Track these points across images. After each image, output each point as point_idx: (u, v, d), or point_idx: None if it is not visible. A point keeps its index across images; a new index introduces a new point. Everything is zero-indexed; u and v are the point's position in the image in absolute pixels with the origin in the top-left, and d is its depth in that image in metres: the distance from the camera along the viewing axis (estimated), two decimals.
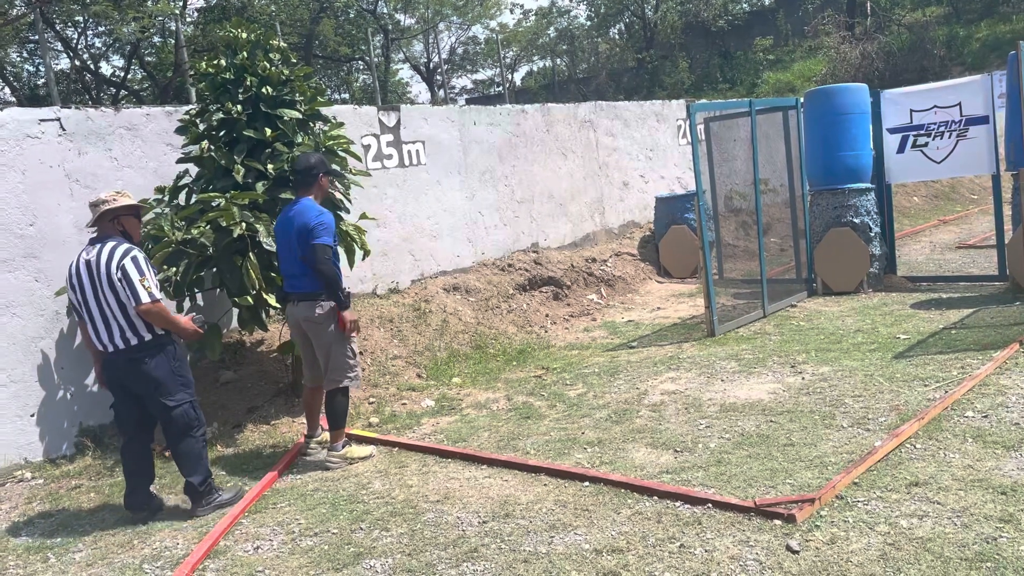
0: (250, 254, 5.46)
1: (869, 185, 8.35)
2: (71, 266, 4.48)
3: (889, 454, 4.22)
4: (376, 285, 8.09)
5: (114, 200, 4.48)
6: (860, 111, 8.36)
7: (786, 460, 4.33)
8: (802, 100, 8.82)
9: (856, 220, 8.19)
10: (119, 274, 4.32)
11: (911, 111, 8.26)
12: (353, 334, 5.06)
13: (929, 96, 8.21)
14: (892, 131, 8.42)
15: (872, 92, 8.53)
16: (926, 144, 8.22)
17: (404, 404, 6.30)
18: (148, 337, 4.42)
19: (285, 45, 6.07)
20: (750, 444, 4.61)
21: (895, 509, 3.65)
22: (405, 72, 31.11)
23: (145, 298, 4.31)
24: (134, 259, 4.36)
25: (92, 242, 4.48)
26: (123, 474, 4.65)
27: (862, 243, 8.17)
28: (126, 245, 4.44)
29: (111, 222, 4.48)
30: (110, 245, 4.39)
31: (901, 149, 8.36)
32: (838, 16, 23.20)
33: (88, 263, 4.39)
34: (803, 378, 5.71)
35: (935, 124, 8.16)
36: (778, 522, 3.64)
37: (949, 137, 8.07)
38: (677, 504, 3.96)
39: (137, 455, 4.62)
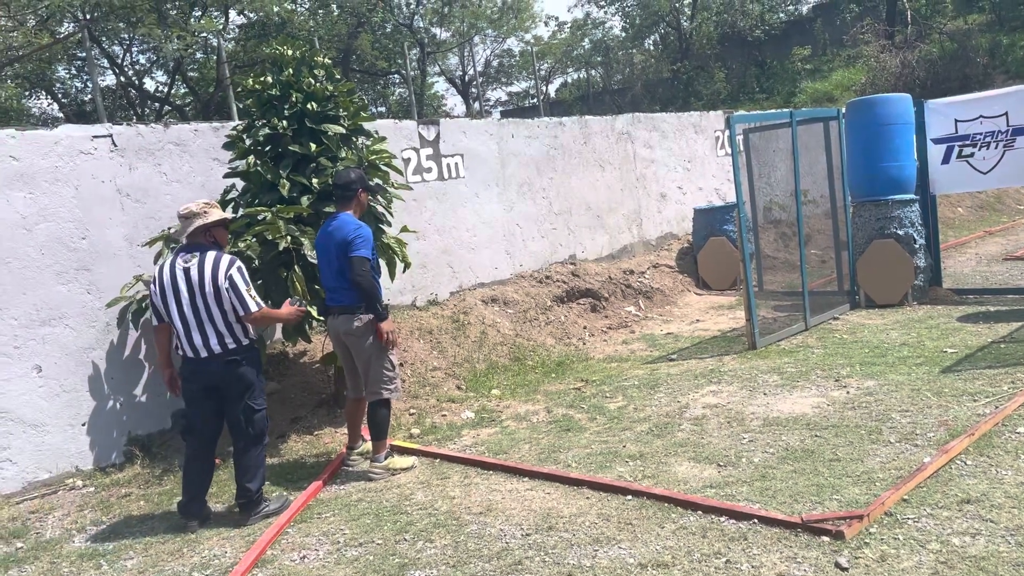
0: (295, 267, 5.56)
1: (913, 196, 8.24)
2: (161, 272, 4.59)
3: (939, 470, 4.16)
4: (415, 297, 8.15)
5: (205, 213, 4.62)
6: (903, 121, 8.26)
7: (832, 476, 4.28)
8: (843, 110, 8.74)
9: (900, 232, 8.08)
10: (227, 284, 4.49)
11: (956, 121, 8.14)
12: (392, 346, 5.11)
13: (974, 106, 8.08)
14: (937, 141, 8.30)
15: (916, 102, 8.42)
16: (972, 155, 8.09)
17: (444, 415, 6.34)
18: (245, 342, 4.61)
19: (329, 62, 6.17)
20: (795, 459, 4.57)
21: (946, 527, 3.59)
22: (440, 85, 31.36)
23: (254, 307, 4.54)
24: (239, 270, 4.57)
25: (186, 250, 4.61)
26: (184, 481, 4.73)
27: (906, 255, 8.06)
28: (228, 256, 4.61)
29: (203, 234, 4.63)
30: (212, 255, 4.55)
31: (946, 160, 8.24)
32: (877, 24, 22.93)
33: (187, 271, 4.52)
34: (848, 392, 5.65)
35: (981, 134, 8.03)
36: (826, 539, 3.60)
37: (995, 147, 7.94)
38: (722, 519, 3.93)
39: (204, 463, 4.73)
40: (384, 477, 5.13)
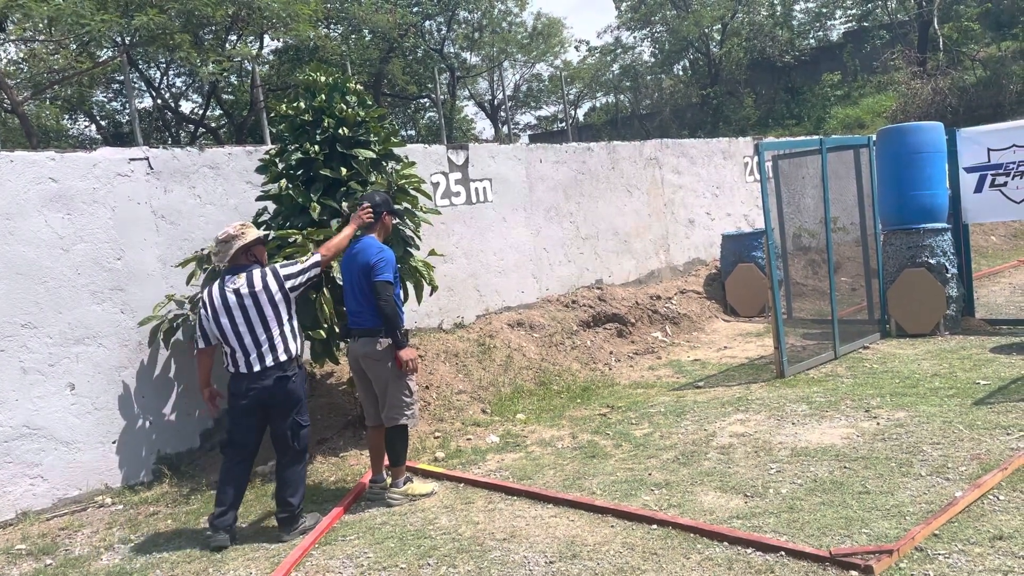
0: (324, 289, 5.62)
1: (945, 225, 8.16)
2: (211, 296, 4.74)
3: (971, 505, 4.08)
4: (442, 320, 8.19)
5: (243, 235, 4.78)
6: (935, 150, 8.20)
7: (861, 508, 4.21)
8: (874, 138, 8.69)
9: (932, 261, 7.99)
10: (288, 285, 4.73)
11: (989, 150, 8.06)
12: (412, 372, 5.11)
13: (1008, 135, 8.00)
14: (969, 170, 8.22)
15: (948, 130, 8.36)
16: (1005, 184, 8.00)
17: (469, 439, 6.34)
18: (295, 352, 4.76)
19: (361, 87, 6.26)
20: (823, 491, 4.51)
21: (978, 564, 3.52)
22: (470, 109, 31.65)
23: (317, 258, 4.89)
24: (282, 266, 4.80)
25: (230, 272, 4.76)
26: (218, 493, 4.76)
27: (938, 284, 7.96)
28: (268, 268, 4.80)
29: (244, 254, 4.78)
30: (258, 272, 4.75)
31: (979, 189, 8.15)
32: (908, 51, 22.82)
33: (237, 291, 4.68)
34: (878, 423, 5.57)
35: (1014, 163, 7.94)
36: (854, 573, 3.54)
37: None
38: (748, 551, 3.88)
39: (241, 477, 4.80)
40: (402, 503, 5.12)
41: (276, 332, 4.68)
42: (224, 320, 4.67)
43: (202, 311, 4.79)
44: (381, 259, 4.93)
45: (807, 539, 3.93)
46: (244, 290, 4.67)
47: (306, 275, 4.82)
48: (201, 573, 4.37)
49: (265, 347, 4.66)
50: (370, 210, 5.08)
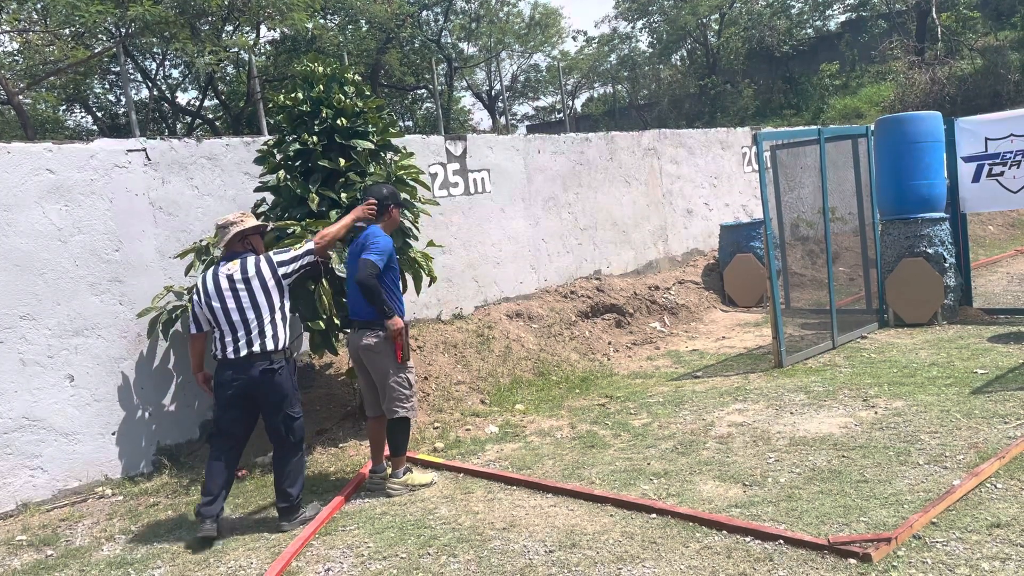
0: (323, 280, 5.62)
1: (943, 215, 8.17)
2: (204, 282, 4.76)
3: (968, 493, 4.10)
4: (440, 311, 8.19)
5: (241, 222, 4.83)
6: (933, 139, 8.20)
7: (860, 497, 4.23)
8: (872, 128, 8.69)
9: (930, 250, 8.00)
10: (282, 272, 4.76)
11: (986, 139, 8.06)
12: (410, 364, 5.07)
13: (1005, 124, 8.01)
14: (967, 160, 8.23)
15: (946, 120, 8.36)
16: (1002, 173, 8.01)
17: (468, 430, 6.35)
18: (282, 343, 4.73)
19: (359, 78, 6.24)
20: (821, 479, 4.53)
21: (976, 551, 3.54)
22: (467, 99, 31.55)
23: (310, 245, 4.85)
24: (275, 253, 4.84)
25: (226, 259, 4.80)
26: (205, 481, 4.75)
27: (936, 274, 7.98)
28: (263, 256, 4.82)
29: (240, 241, 4.82)
30: (252, 258, 4.77)
31: (976, 178, 8.16)
32: (907, 41, 22.77)
33: (231, 276, 4.70)
34: (876, 412, 5.59)
35: (1011, 153, 7.95)
36: (853, 561, 3.56)
37: None
38: (747, 539, 3.90)
39: (227, 467, 4.78)
40: (402, 493, 5.14)
41: (267, 319, 4.68)
42: (216, 304, 4.68)
43: (195, 297, 4.82)
44: (375, 243, 4.90)
45: (805, 527, 3.95)
46: (237, 275, 4.69)
47: (299, 262, 4.81)
48: (202, 563, 4.38)
49: (254, 333, 4.64)
50: (374, 205, 5.06)
